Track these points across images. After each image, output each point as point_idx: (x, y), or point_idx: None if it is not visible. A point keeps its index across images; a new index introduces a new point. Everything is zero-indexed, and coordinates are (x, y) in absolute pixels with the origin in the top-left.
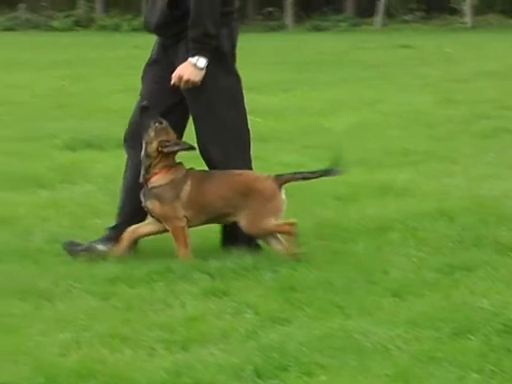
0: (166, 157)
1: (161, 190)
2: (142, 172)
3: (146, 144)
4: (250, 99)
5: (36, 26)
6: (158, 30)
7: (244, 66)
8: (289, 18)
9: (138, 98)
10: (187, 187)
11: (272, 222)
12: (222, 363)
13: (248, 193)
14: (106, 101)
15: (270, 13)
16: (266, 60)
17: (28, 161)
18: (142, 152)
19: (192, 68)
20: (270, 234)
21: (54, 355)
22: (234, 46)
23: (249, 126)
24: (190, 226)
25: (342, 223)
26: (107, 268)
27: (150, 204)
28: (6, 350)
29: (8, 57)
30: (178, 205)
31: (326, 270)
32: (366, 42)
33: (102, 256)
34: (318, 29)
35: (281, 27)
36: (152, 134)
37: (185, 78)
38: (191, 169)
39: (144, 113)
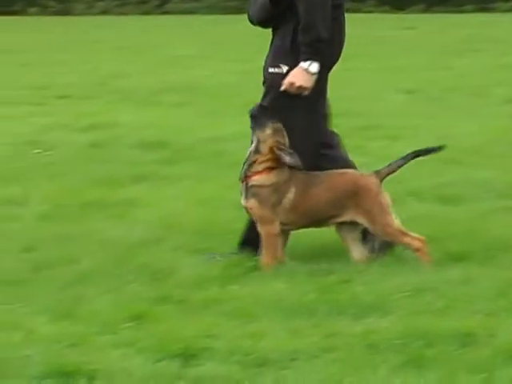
0: (274, 158)
1: (262, 191)
2: (245, 168)
3: (259, 141)
4: None
5: None
6: (261, 24)
7: None
8: None
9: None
10: (291, 194)
11: (396, 221)
12: None
13: (355, 191)
14: None
15: None
16: None
17: None
18: (252, 148)
19: (304, 73)
20: (399, 233)
21: None
22: (343, 41)
23: (321, 126)
24: (290, 230)
25: None
26: None
27: (249, 203)
28: None
29: None
30: (276, 210)
31: None
32: None
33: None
34: None
35: None
36: (269, 132)
37: (297, 84)
38: (293, 171)
39: (262, 110)
